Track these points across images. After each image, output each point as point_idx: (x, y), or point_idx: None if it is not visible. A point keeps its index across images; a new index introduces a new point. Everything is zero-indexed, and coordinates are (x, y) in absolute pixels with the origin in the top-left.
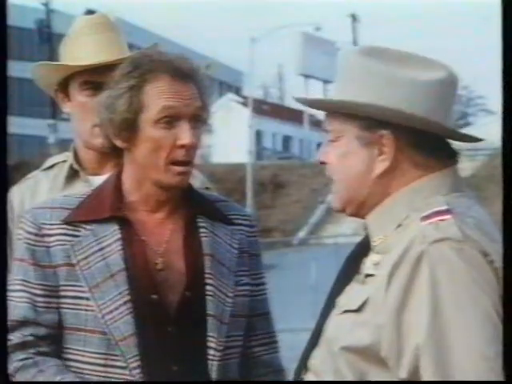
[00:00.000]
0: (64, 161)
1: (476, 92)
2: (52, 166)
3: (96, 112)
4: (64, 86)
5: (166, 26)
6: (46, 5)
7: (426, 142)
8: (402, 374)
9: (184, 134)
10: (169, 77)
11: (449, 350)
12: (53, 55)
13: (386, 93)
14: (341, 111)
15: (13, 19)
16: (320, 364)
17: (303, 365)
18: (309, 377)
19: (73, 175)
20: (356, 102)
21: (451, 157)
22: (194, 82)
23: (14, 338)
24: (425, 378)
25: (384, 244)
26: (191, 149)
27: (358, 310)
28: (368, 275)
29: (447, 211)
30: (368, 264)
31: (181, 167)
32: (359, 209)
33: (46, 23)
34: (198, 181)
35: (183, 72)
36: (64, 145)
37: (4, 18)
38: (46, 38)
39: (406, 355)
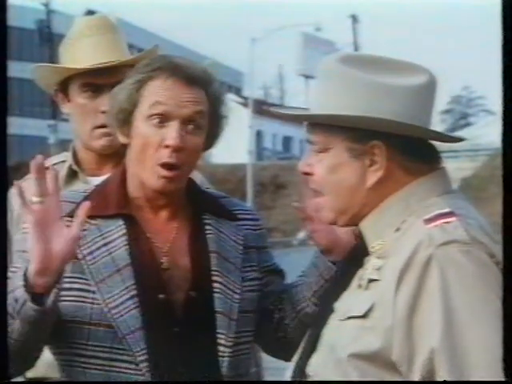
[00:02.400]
0: (63, 161)
1: (476, 92)
2: None
3: (107, 102)
4: (64, 87)
5: (166, 27)
6: (46, 5)
7: (413, 146)
8: (415, 378)
9: (171, 134)
10: (174, 77)
11: (464, 352)
12: (53, 56)
13: (374, 102)
14: (329, 124)
15: (13, 19)
16: (322, 371)
17: (301, 371)
18: None
19: (72, 176)
20: (349, 116)
21: (437, 159)
22: (203, 89)
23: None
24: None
25: (384, 249)
26: (177, 151)
27: (364, 315)
28: (371, 280)
29: (451, 213)
30: (370, 269)
31: (165, 171)
32: (353, 219)
33: (47, 24)
34: (197, 181)
35: (191, 76)
36: (64, 145)
37: (4, 18)
38: (47, 39)
39: (419, 359)
